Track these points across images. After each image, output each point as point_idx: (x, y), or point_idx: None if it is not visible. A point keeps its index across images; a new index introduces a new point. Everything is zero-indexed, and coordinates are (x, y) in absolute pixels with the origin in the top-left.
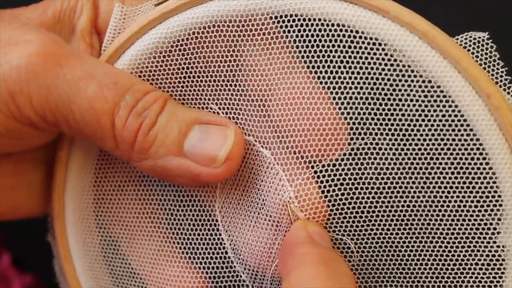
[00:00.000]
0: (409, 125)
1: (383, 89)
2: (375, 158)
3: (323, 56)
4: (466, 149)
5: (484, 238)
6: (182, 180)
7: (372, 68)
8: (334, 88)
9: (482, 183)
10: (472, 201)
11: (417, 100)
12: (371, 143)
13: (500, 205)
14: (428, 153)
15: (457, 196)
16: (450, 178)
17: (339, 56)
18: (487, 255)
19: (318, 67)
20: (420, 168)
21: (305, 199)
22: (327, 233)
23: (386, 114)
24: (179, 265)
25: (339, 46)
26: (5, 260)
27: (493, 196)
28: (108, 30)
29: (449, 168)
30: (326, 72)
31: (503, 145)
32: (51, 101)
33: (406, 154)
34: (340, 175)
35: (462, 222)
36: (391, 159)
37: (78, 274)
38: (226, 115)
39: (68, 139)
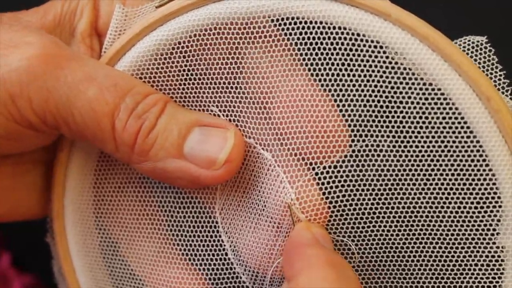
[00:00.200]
0: (410, 127)
1: (384, 91)
2: (376, 160)
3: (325, 58)
4: (466, 151)
5: (484, 239)
6: (182, 183)
7: (373, 71)
8: (335, 90)
9: (482, 184)
10: (472, 203)
11: (418, 103)
12: (372, 145)
13: (500, 207)
14: (429, 155)
15: (457, 198)
16: (450, 179)
17: (340, 59)
18: (487, 256)
19: (320, 69)
20: (421, 170)
21: (306, 201)
22: (329, 235)
23: (387, 117)
24: (179, 266)
25: (340, 49)
26: (5, 260)
27: (492, 198)
28: (109, 32)
29: (449, 169)
30: (327, 74)
31: (502, 147)
32: (51, 103)
33: (407, 156)
34: (341, 176)
35: (462, 223)
36: (392, 161)
37: (78, 274)
38: (227, 118)
39: (68, 140)
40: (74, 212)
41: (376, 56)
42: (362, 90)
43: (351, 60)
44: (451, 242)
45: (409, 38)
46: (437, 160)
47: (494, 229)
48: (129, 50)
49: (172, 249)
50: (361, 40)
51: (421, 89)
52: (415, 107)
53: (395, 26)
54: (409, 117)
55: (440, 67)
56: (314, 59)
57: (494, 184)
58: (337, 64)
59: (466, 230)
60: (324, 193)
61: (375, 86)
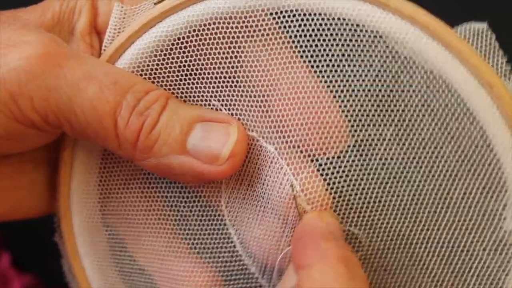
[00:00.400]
0: (412, 116)
1: (385, 81)
2: (379, 150)
3: (325, 50)
4: (470, 137)
5: (491, 224)
6: (186, 178)
7: (374, 61)
8: (336, 81)
9: (487, 170)
10: (477, 188)
11: (419, 91)
12: (375, 135)
13: (506, 191)
14: (433, 143)
15: (463, 184)
16: (455, 166)
17: (340, 50)
18: (494, 241)
19: (320, 61)
20: (425, 158)
21: (311, 192)
22: (340, 225)
23: (389, 106)
24: (188, 260)
25: (340, 39)
26: (5, 260)
27: (498, 183)
28: (108, 30)
29: (454, 156)
30: (328, 65)
31: (506, 133)
32: (52, 103)
33: (410, 144)
34: (345, 167)
35: (468, 209)
36: (396, 149)
37: (87, 273)
38: (229, 111)
39: (70, 139)
40: (81, 211)
41: (376, 46)
42: (363, 80)
43: (351, 50)
44: (458, 228)
45: (409, 27)
46: (441, 148)
47: (501, 214)
48: (128, 47)
49: (180, 244)
50: (361, 31)
51: (422, 77)
52: (417, 96)
53: (395, 16)
54: (411, 106)
55: (441, 55)
56: (314, 50)
57: (499, 169)
58: (337, 55)
59: (472, 216)
60: (328, 184)
61: (376, 76)
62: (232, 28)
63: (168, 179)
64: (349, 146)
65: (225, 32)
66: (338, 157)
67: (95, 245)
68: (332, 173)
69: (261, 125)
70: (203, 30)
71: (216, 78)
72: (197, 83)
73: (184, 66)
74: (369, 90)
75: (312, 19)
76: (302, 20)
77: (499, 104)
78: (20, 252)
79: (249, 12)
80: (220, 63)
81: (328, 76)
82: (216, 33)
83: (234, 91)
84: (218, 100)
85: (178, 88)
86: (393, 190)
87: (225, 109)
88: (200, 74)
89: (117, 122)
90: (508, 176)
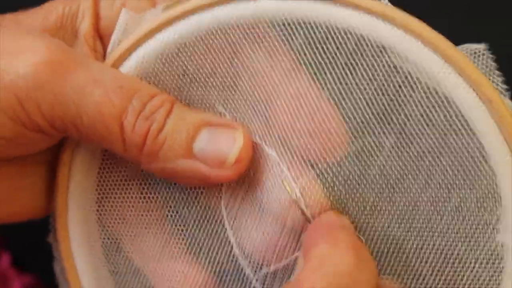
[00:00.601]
0: (412, 126)
1: (387, 93)
2: (378, 158)
3: (329, 60)
4: (468, 151)
5: (484, 235)
6: (191, 182)
7: (377, 73)
8: (339, 91)
9: (482, 183)
10: (472, 200)
11: (420, 104)
12: (375, 144)
13: (500, 205)
14: (431, 154)
15: (458, 196)
16: (451, 178)
17: (344, 61)
18: (486, 253)
19: (325, 71)
20: (423, 169)
21: (310, 196)
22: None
23: (391, 117)
24: (184, 261)
25: (344, 51)
26: (5, 260)
27: (493, 196)
28: (114, 34)
29: (451, 168)
30: (331, 75)
31: (503, 147)
32: (58, 108)
33: (409, 155)
34: (344, 173)
35: (462, 220)
36: (395, 159)
37: (80, 274)
38: (233, 117)
39: (72, 140)
40: (77, 211)
41: (380, 59)
42: (366, 92)
43: (354, 61)
44: (451, 238)
45: (412, 41)
46: (439, 159)
47: (494, 226)
48: (134, 52)
49: (177, 244)
50: (365, 43)
51: (423, 90)
52: (417, 108)
53: (399, 30)
54: (412, 117)
55: (443, 69)
56: (319, 61)
57: (494, 183)
58: (342, 66)
59: (466, 227)
60: (327, 189)
61: (379, 87)
62: (238, 36)
63: (168, 181)
64: (349, 154)
65: (232, 40)
66: (338, 164)
67: (90, 245)
68: (332, 179)
69: (263, 131)
70: (210, 37)
71: (220, 84)
72: (201, 88)
73: (189, 71)
74: (370, 100)
75: (318, 31)
76: (308, 31)
77: (498, 119)
78: (20, 252)
79: (256, 21)
80: (226, 70)
81: (331, 86)
82: (222, 40)
83: (237, 97)
84: (222, 106)
85: (183, 93)
86: (389, 198)
87: (229, 114)
88: (204, 80)
89: (123, 126)
90: (503, 189)
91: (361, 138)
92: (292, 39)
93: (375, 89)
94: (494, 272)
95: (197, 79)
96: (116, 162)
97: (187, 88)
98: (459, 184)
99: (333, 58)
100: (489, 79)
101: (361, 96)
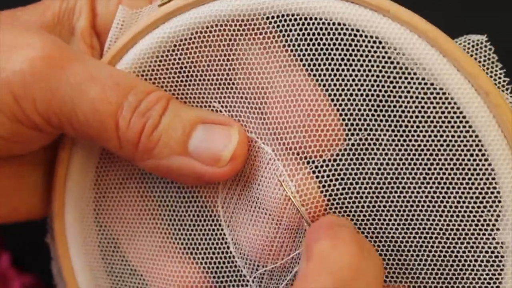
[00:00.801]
0: (409, 121)
1: (383, 86)
2: (375, 154)
3: (324, 54)
4: (465, 145)
5: (484, 234)
6: (187, 179)
7: (372, 66)
8: (335, 85)
9: (481, 179)
10: (471, 197)
11: (416, 97)
12: (372, 139)
13: (499, 202)
14: (428, 149)
15: (457, 192)
16: (449, 174)
17: (340, 54)
18: (486, 252)
19: (320, 65)
20: (420, 164)
21: (306, 194)
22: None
23: (387, 111)
24: (180, 261)
25: (340, 44)
26: (4, 260)
27: (492, 193)
28: (111, 31)
29: (449, 164)
30: (327, 69)
31: (501, 141)
32: (55, 105)
33: (406, 150)
34: (341, 170)
35: (461, 218)
36: (391, 154)
37: (76, 274)
38: (228, 113)
39: (69, 139)
40: (74, 211)
41: (375, 52)
42: (362, 85)
43: (350, 55)
44: (450, 237)
45: (407, 34)
46: (436, 154)
47: (493, 225)
48: (131, 48)
49: (173, 244)
50: (360, 36)
51: (420, 83)
52: (414, 102)
53: (394, 22)
54: (408, 111)
55: (439, 62)
56: (314, 54)
57: (493, 178)
58: (337, 60)
59: (465, 225)
60: (323, 186)
61: (375, 81)
62: (234, 31)
63: (164, 178)
64: (345, 150)
65: (227, 35)
66: (334, 160)
67: (87, 246)
68: (328, 175)
69: (258, 127)
70: (205, 32)
71: (216, 80)
72: (197, 84)
73: (186, 67)
74: (367, 95)
75: (313, 24)
76: (303, 24)
77: (496, 112)
78: (20, 252)
79: (250, 15)
80: (221, 65)
81: (327, 80)
82: (218, 36)
83: (233, 93)
84: (218, 102)
85: (179, 90)
86: (387, 195)
87: (225, 110)
88: (200, 76)
89: (119, 123)
90: (503, 186)
91: (357, 132)
92: (287, 33)
93: (371, 83)
94: (494, 271)
95: (193, 75)
96: (113, 162)
97: (183, 84)
98: (457, 181)
99: (328, 52)
100: (490, 71)
101: (357, 90)
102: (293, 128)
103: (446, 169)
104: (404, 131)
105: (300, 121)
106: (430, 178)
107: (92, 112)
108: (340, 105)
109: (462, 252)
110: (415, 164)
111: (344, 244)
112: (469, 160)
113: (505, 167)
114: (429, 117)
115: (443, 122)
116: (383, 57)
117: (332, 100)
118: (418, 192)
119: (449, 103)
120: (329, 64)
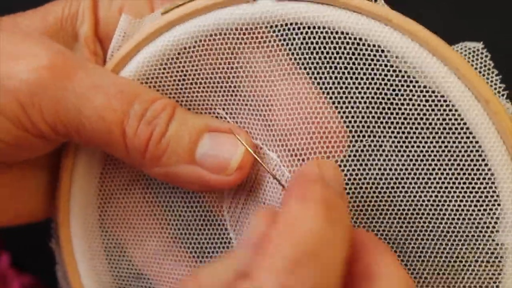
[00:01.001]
0: (411, 128)
1: (386, 94)
2: (378, 160)
3: (328, 62)
4: (466, 151)
5: (484, 236)
6: (193, 187)
7: (375, 74)
8: (339, 93)
9: (481, 183)
10: (471, 201)
11: (418, 105)
12: (375, 145)
13: (499, 205)
14: (430, 155)
15: (457, 196)
16: (450, 178)
17: (343, 63)
18: (486, 253)
19: (324, 73)
20: (422, 169)
21: None
22: (342, 177)
23: (389, 118)
24: (187, 265)
25: (343, 53)
26: (4, 261)
27: (491, 196)
28: (114, 38)
29: (450, 169)
30: (330, 78)
31: (501, 147)
32: (61, 114)
33: (408, 156)
34: (345, 175)
35: (462, 221)
36: (394, 160)
37: (83, 278)
38: (233, 120)
39: (72, 145)
40: (79, 216)
41: (378, 60)
42: (365, 93)
43: (353, 64)
44: (451, 239)
45: (409, 43)
46: (438, 160)
47: (493, 227)
48: (134, 56)
49: (180, 248)
50: (363, 45)
51: (421, 91)
52: (416, 109)
53: (396, 31)
54: (410, 118)
55: (440, 70)
56: (318, 63)
57: (492, 183)
58: (340, 68)
59: (466, 227)
60: None
61: (377, 88)
62: (237, 39)
63: (171, 184)
64: (349, 156)
65: (230, 43)
66: (338, 166)
67: (92, 251)
68: None
69: (263, 133)
70: (209, 40)
71: (220, 87)
72: (202, 92)
73: (190, 75)
74: (370, 103)
75: (316, 32)
76: (306, 33)
77: (495, 119)
78: (19, 253)
79: (254, 24)
80: (225, 72)
81: (330, 88)
82: (221, 44)
83: (238, 100)
84: (223, 109)
85: (183, 96)
86: (390, 199)
87: (230, 117)
88: (205, 83)
89: (126, 132)
90: (502, 190)
91: (361, 139)
92: (290, 41)
93: (374, 91)
94: (494, 271)
95: (197, 82)
96: (117, 167)
97: (187, 92)
98: (458, 186)
99: (332, 60)
100: (487, 78)
101: (360, 98)
102: (297, 135)
103: (448, 173)
104: (406, 137)
105: (305, 128)
106: (432, 183)
107: (98, 120)
108: (344, 112)
109: (463, 253)
110: (417, 169)
111: (311, 207)
112: (469, 165)
113: (504, 171)
114: (430, 123)
115: (444, 128)
116: (386, 65)
117: (336, 107)
118: (420, 196)
119: (450, 110)
120: (333, 73)
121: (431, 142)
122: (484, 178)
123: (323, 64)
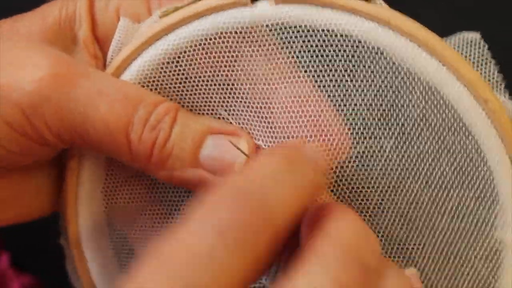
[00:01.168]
0: (411, 129)
1: (386, 95)
2: (380, 160)
3: (328, 65)
4: (465, 150)
5: (483, 232)
6: (198, 189)
7: (375, 76)
8: (339, 95)
9: (480, 182)
10: (471, 199)
11: (418, 106)
12: (376, 147)
13: (497, 203)
14: (430, 155)
15: (457, 195)
16: (450, 178)
17: (343, 65)
18: (486, 248)
19: (324, 75)
20: (423, 169)
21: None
22: (325, 163)
23: (390, 119)
24: None
25: (343, 55)
26: (4, 261)
27: (490, 194)
28: (113, 43)
29: (449, 168)
30: (331, 80)
31: (500, 146)
32: (66, 122)
33: (409, 156)
34: (348, 176)
35: (462, 218)
36: (395, 160)
37: (92, 275)
38: (235, 121)
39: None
40: (87, 216)
41: (377, 62)
42: (365, 95)
43: (353, 66)
44: (452, 235)
45: (408, 44)
46: (438, 160)
47: (492, 223)
48: (134, 60)
49: None
50: (362, 47)
51: (421, 93)
52: (416, 110)
53: (395, 33)
54: (411, 120)
55: (439, 71)
56: (317, 65)
57: (491, 181)
58: (340, 71)
59: (466, 224)
60: (331, 191)
61: (377, 90)
62: (237, 42)
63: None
64: (351, 157)
65: (230, 46)
66: (341, 167)
67: (102, 250)
68: (335, 181)
69: (265, 135)
70: (209, 43)
71: (222, 89)
72: (203, 93)
73: (190, 77)
74: (370, 104)
75: (316, 35)
76: (306, 36)
77: (494, 118)
78: (19, 252)
79: (253, 27)
80: (226, 75)
81: (331, 91)
82: (221, 47)
83: (239, 102)
84: (225, 110)
85: (184, 99)
86: (392, 198)
87: (232, 118)
88: (206, 85)
89: (130, 138)
90: (500, 188)
91: (363, 141)
92: (290, 44)
93: (374, 93)
94: (493, 267)
95: (198, 84)
96: (123, 165)
97: (189, 94)
98: (458, 184)
99: (332, 63)
100: (484, 70)
101: (360, 101)
102: (300, 136)
103: (447, 173)
104: (407, 138)
105: (307, 130)
106: (432, 182)
107: (103, 127)
108: (345, 115)
109: (463, 250)
110: (417, 169)
111: (272, 160)
112: (468, 164)
113: (503, 170)
114: (430, 124)
115: (444, 129)
116: (385, 67)
117: (337, 110)
118: (421, 195)
119: (449, 110)
120: (333, 75)
121: (431, 143)
122: (483, 177)
123: (322, 66)
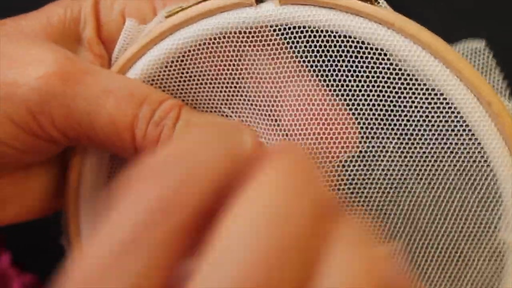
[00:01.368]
0: (414, 130)
1: (389, 97)
2: (382, 161)
3: (331, 66)
4: (468, 152)
5: (486, 234)
6: None
7: (378, 77)
8: (342, 96)
9: (483, 184)
10: (474, 201)
11: (421, 107)
12: (379, 147)
13: (501, 204)
14: (433, 156)
15: (460, 196)
16: (453, 179)
17: (346, 66)
18: (489, 250)
19: (327, 76)
20: (425, 170)
21: None
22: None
23: (393, 120)
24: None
25: (346, 56)
26: (4, 260)
27: (494, 196)
28: (119, 43)
29: (453, 170)
30: (334, 81)
31: (503, 149)
32: (72, 120)
33: (412, 157)
34: (350, 175)
35: (465, 219)
36: (398, 161)
37: None
38: (239, 119)
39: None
40: (89, 215)
41: (380, 63)
42: (368, 96)
43: (357, 67)
44: (455, 236)
45: (412, 46)
46: (441, 161)
47: (496, 225)
48: (139, 59)
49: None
50: (366, 48)
51: (424, 94)
52: (418, 111)
53: (398, 34)
54: (414, 121)
55: (442, 73)
56: (321, 66)
57: (495, 183)
58: (344, 71)
59: (469, 226)
60: (333, 190)
61: (381, 91)
62: (241, 42)
63: None
64: (353, 157)
65: (234, 46)
66: (343, 166)
67: None
68: (337, 181)
69: (269, 133)
70: (214, 43)
71: (226, 88)
72: (207, 92)
73: (195, 76)
74: (373, 105)
75: (319, 36)
76: (310, 36)
77: (497, 121)
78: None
79: (258, 27)
80: (230, 74)
81: (334, 91)
82: (226, 46)
83: (243, 100)
84: (229, 108)
85: (188, 97)
86: (394, 199)
87: (235, 116)
88: (210, 84)
89: (135, 135)
90: (504, 190)
91: (365, 141)
92: (294, 45)
93: (377, 94)
94: (497, 268)
95: (203, 83)
96: (126, 163)
97: (193, 92)
98: (461, 186)
99: (335, 64)
100: (489, 77)
101: (363, 101)
102: (304, 135)
103: (450, 174)
104: (410, 138)
105: (310, 128)
106: (435, 183)
107: (108, 125)
108: (348, 115)
109: (466, 252)
110: (420, 170)
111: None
112: (472, 166)
113: (506, 172)
114: (433, 126)
115: (447, 130)
116: (388, 68)
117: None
118: (424, 196)
119: (453, 112)
120: (336, 76)
121: (434, 144)
122: (486, 179)
123: (326, 67)
